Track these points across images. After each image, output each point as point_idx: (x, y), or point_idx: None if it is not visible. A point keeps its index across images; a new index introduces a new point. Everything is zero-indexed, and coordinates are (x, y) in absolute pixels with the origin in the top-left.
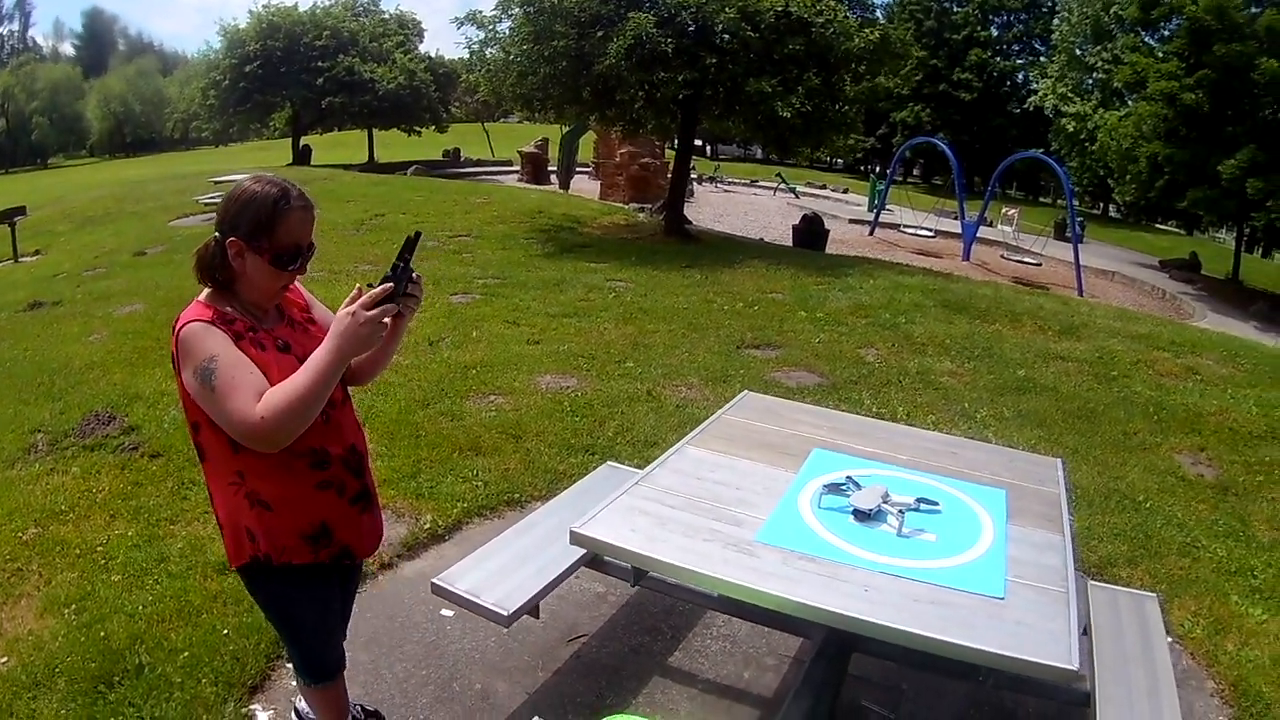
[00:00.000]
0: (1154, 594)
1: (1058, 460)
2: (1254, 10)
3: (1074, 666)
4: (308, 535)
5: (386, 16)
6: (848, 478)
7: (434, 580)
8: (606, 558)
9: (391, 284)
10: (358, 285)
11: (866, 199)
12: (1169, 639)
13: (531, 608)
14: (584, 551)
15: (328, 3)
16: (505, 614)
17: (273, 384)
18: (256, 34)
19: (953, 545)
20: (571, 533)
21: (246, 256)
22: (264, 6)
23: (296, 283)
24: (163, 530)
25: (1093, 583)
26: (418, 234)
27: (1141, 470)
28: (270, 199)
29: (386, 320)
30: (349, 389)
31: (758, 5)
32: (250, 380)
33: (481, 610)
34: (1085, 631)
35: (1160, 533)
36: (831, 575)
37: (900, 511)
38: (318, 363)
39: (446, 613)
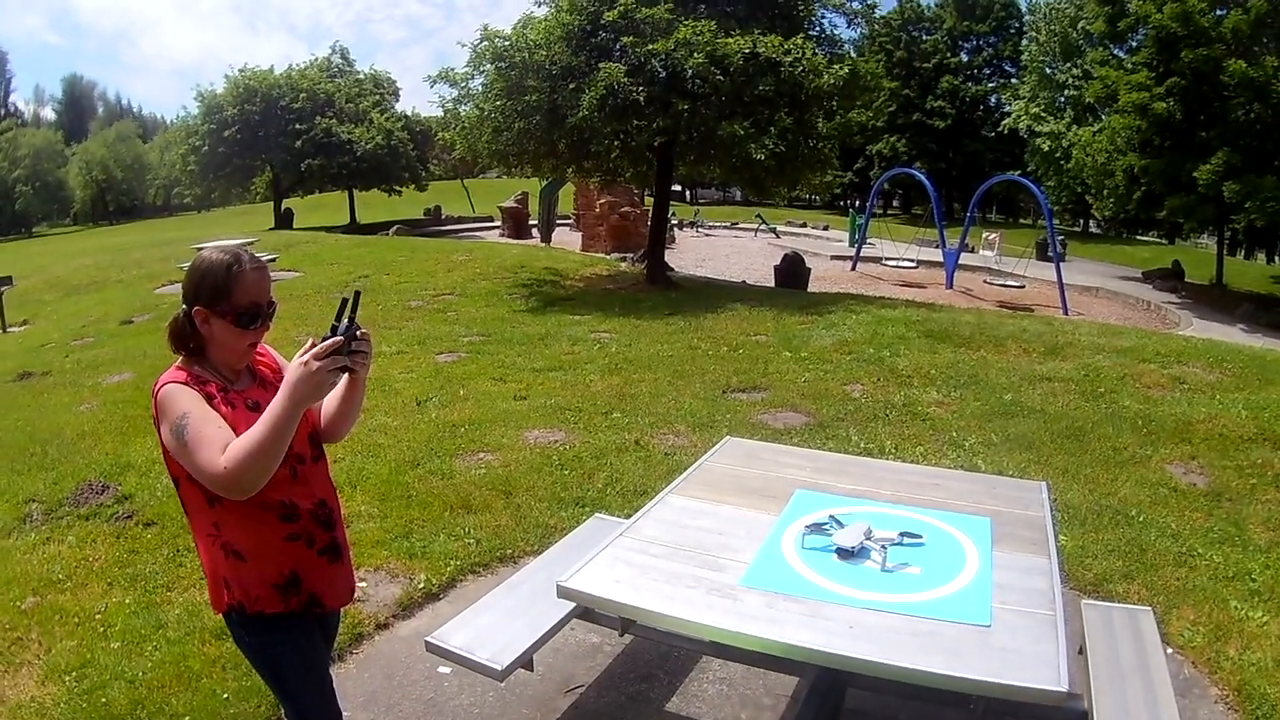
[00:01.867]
0: (1148, 608)
1: (1042, 484)
2: (1219, 13)
3: (1063, 689)
4: (278, 585)
5: (361, 76)
6: (830, 517)
7: (428, 639)
8: (595, 609)
9: (340, 338)
10: (310, 337)
11: (847, 234)
12: (1169, 650)
13: (525, 661)
14: (574, 605)
15: (302, 65)
16: (499, 669)
17: None
18: (233, 98)
19: (937, 577)
20: (558, 586)
21: (212, 322)
22: (239, 71)
23: (269, 348)
24: (159, 597)
25: (1086, 601)
26: (357, 292)
27: (1133, 484)
28: (224, 265)
29: (338, 371)
30: (323, 447)
31: (726, 49)
32: (218, 434)
33: (476, 666)
34: (1080, 651)
35: (1155, 545)
36: (815, 614)
37: (883, 547)
38: (273, 412)
39: (444, 670)
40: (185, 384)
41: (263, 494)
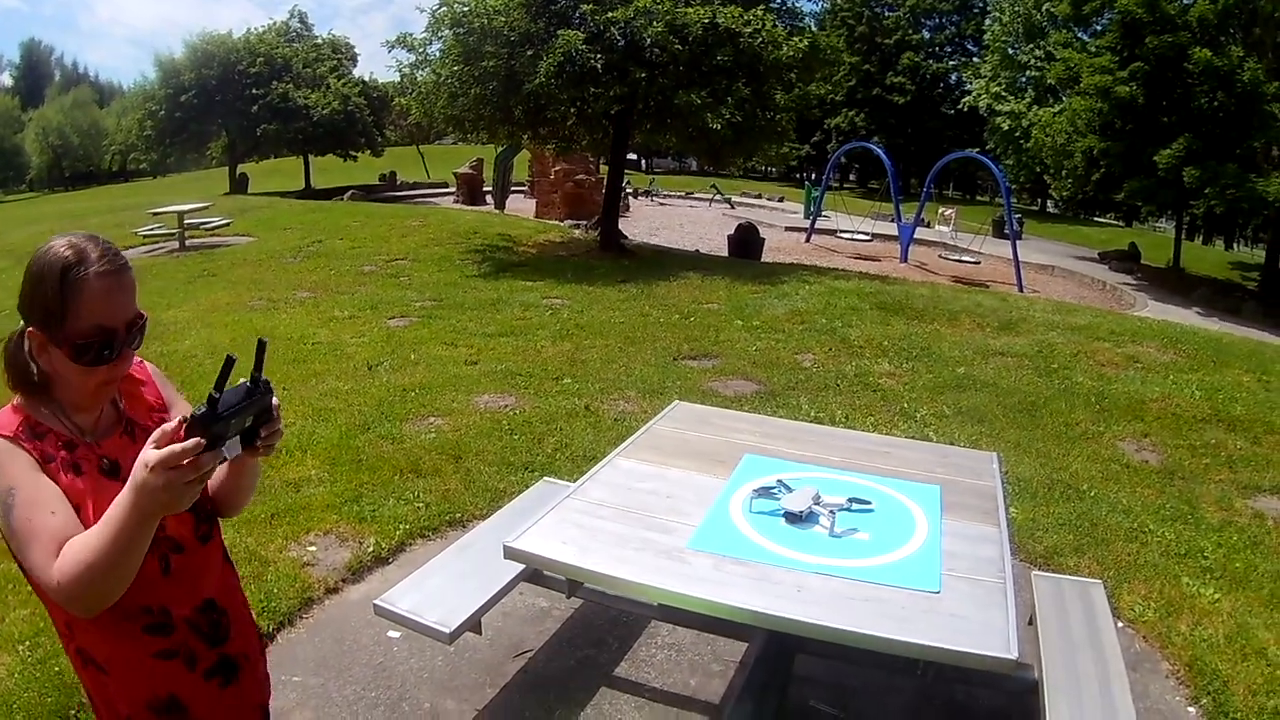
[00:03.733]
0: (1099, 581)
1: (993, 454)
2: (1185, 1)
3: (1013, 656)
4: (155, 707)
5: (320, 41)
6: (779, 481)
7: (376, 601)
8: (547, 571)
9: (210, 428)
10: (180, 417)
11: (803, 206)
12: (1120, 624)
13: (474, 624)
14: (523, 567)
15: (261, 29)
16: (447, 631)
17: (87, 524)
18: (191, 64)
19: (886, 543)
20: (505, 547)
21: (50, 350)
22: (198, 36)
23: (151, 368)
24: None
25: (1037, 573)
26: (262, 342)
27: (1085, 460)
28: (58, 268)
29: (204, 475)
30: (217, 520)
31: (685, 18)
32: (50, 526)
33: (424, 629)
34: (1030, 621)
35: (1106, 520)
36: (763, 578)
37: (831, 512)
38: (114, 518)
39: (393, 634)
40: (15, 438)
41: (121, 598)
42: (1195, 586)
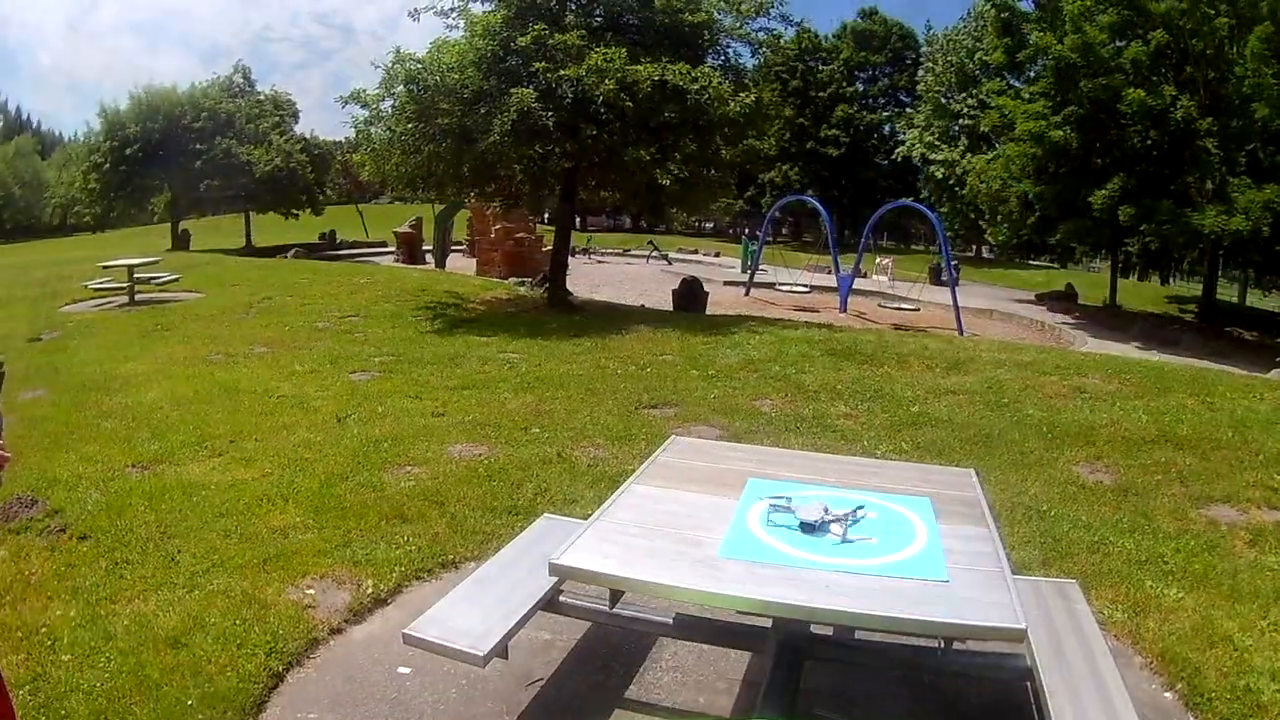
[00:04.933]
0: (1074, 580)
1: (971, 470)
2: (1119, 44)
3: (1022, 625)
4: None
5: (262, 97)
6: (787, 497)
7: (405, 631)
8: (563, 598)
9: None
10: None
11: (740, 260)
12: (1098, 624)
13: (502, 649)
14: (542, 594)
15: (204, 83)
16: (481, 654)
17: None
18: (136, 116)
19: (893, 544)
20: (551, 564)
21: None
22: (144, 88)
23: None
24: (104, 609)
25: (1014, 577)
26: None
27: (1042, 483)
28: None
29: None
30: None
31: (635, 75)
32: None
33: (457, 654)
34: None
35: (1068, 535)
36: (793, 578)
37: (842, 521)
38: None
39: (404, 670)
40: None
41: None
42: (1159, 588)
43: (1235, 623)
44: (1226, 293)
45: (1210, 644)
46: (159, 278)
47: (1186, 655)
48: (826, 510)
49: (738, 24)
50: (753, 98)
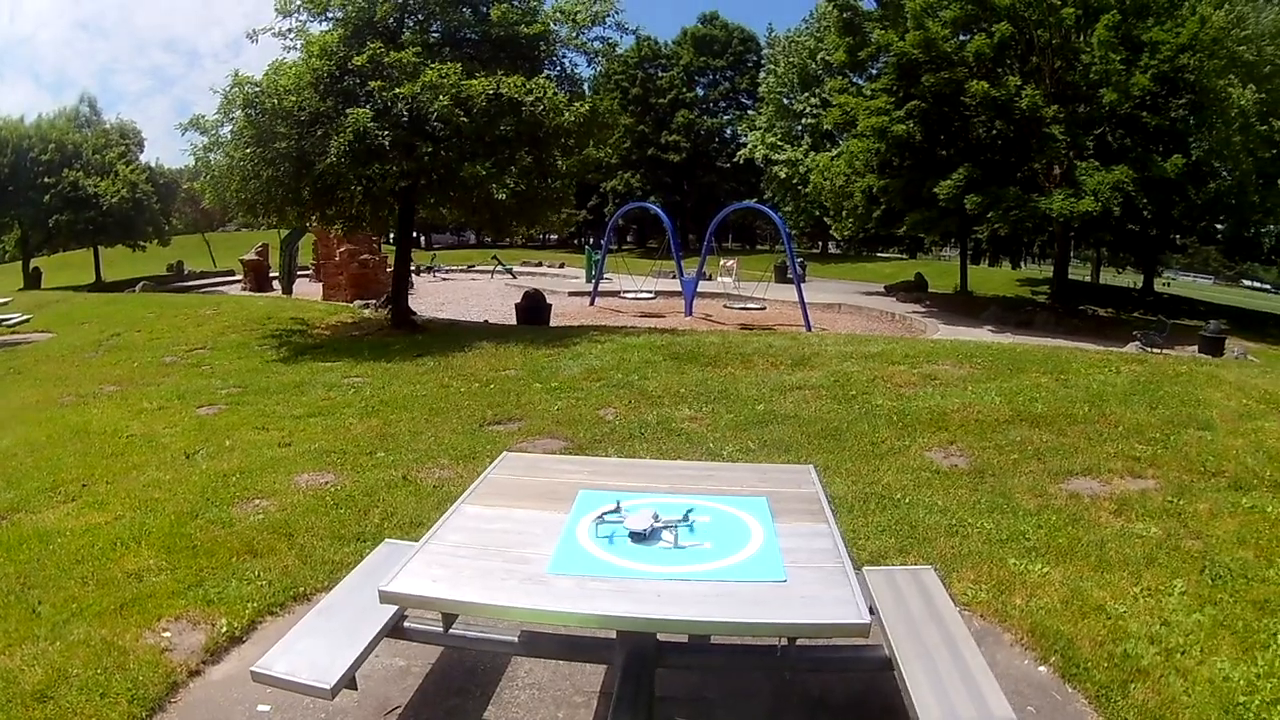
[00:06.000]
0: (929, 566)
1: (809, 466)
2: (962, 38)
3: (865, 620)
4: None
5: (108, 127)
6: (617, 504)
7: (253, 668)
8: (407, 624)
9: None
10: None
11: (584, 271)
12: (956, 608)
13: (350, 679)
14: (385, 621)
15: (51, 115)
16: (328, 687)
17: None
18: None
19: (727, 548)
20: (380, 591)
21: None
22: None
23: None
24: None
25: (868, 568)
26: None
27: (895, 472)
28: None
29: None
30: None
31: (470, 89)
32: None
33: (304, 688)
34: (872, 611)
35: (925, 521)
36: (623, 590)
37: (672, 527)
38: None
39: (263, 708)
40: None
41: None
42: (1023, 565)
43: (1106, 592)
44: (1080, 272)
45: (1081, 615)
46: (10, 319)
47: (1058, 628)
48: (656, 517)
49: (574, 34)
50: (587, 107)
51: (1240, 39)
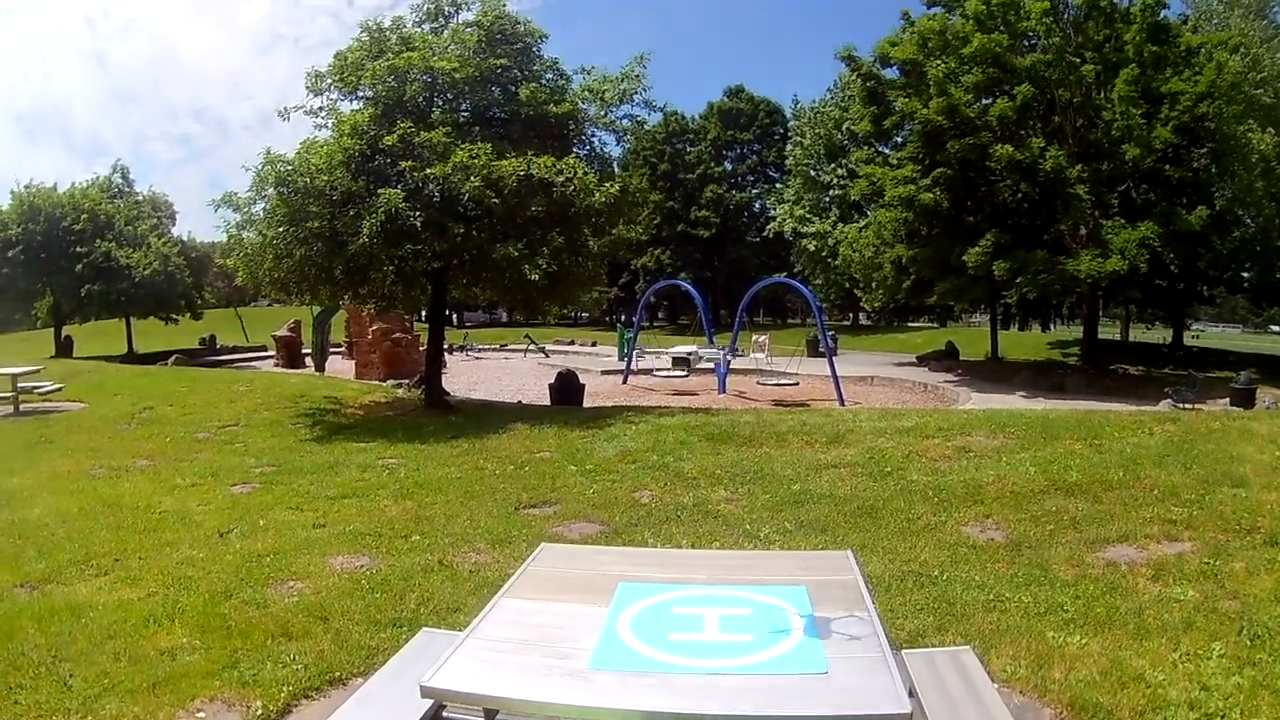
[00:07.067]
0: (968, 646)
1: (847, 551)
2: (985, 101)
3: (907, 710)
4: None
5: (140, 198)
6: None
7: None
8: (448, 714)
9: None
10: None
11: (616, 349)
12: (995, 685)
13: None
14: (424, 713)
15: (84, 183)
16: None
17: None
18: (18, 216)
19: (768, 640)
20: (421, 687)
21: None
22: (25, 187)
23: None
24: None
25: (907, 651)
26: None
27: (932, 548)
28: None
29: None
30: None
31: (500, 170)
32: None
33: None
34: (911, 694)
35: (962, 597)
36: (665, 685)
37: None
38: None
39: None
40: None
41: None
42: (1061, 637)
43: (1145, 660)
44: (1110, 330)
45: (1120, 685)
46: (42, 387)
47: (1097, 700)
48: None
49: (602, 112)
50: (617, 187)
51: (1257, 82)
